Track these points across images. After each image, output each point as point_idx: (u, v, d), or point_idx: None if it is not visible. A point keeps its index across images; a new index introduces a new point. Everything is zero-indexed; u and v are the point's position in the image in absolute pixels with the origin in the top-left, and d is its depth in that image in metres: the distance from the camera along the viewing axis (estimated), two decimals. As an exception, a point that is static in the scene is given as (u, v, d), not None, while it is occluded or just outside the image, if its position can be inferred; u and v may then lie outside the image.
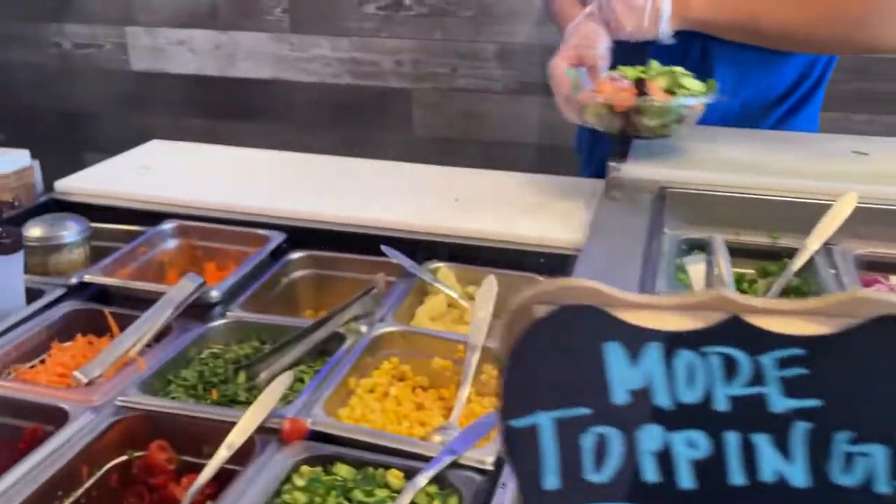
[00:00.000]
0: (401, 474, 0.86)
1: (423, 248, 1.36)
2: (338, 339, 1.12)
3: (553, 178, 1.58)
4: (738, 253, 1.28)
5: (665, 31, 1.36)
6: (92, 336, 1.20)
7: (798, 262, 1.20)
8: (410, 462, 0.87)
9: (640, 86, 1.32)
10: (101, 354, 1.08)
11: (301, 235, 1.42)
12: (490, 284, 1.17)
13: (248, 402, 1.02)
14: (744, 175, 1.34)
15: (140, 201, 1.52)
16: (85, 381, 1.04)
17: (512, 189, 1.54)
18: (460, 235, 1.38)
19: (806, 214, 1.28)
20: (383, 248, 1.31)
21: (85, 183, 1.58)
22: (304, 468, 0.87)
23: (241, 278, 1.27)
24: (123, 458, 0.96)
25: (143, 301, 1.23)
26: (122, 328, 1.19)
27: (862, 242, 1.24)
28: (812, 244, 1.20)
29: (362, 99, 3.28)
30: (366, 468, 0.87)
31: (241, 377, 1.07)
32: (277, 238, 1.40)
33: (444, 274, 1.33)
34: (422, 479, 0.83)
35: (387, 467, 0.87)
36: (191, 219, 1.46)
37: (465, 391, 1.05)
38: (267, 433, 0.92)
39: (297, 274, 1.39)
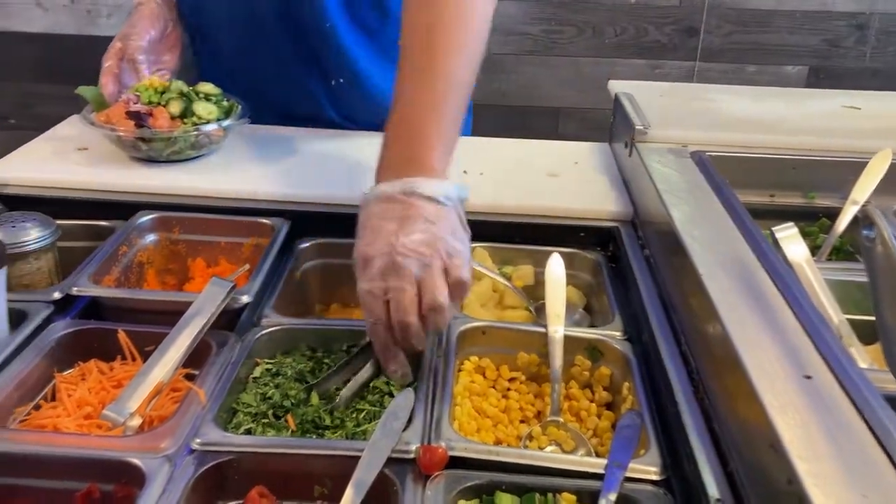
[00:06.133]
0: (573, 497, 0.76)
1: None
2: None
3: (567, 143, 1.50)
4: (771, 215, 1.26)
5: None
6: (97, 360, 1.00)
7: (844, 221, 1.19)
8: (575, 481, 0.78)
9: (136, 118, 1.29)
10: (130, 385, 0.89)
11: (299, 220, 1.25)
12: (557, 265, 1.08)
13: (334, 426, 0.88)
14: (774, 135, 1.31)
15: (98, 191, 1.28)
16: (121, 420, 0.85)
17: (527, 158, 1.44)
18: (486, 212, 1.26)
19: (835, 173, 1.28)
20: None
21: (18, 171, 1.31)
22: (462, 503, 0.76)
23: (265, 277, 1.10)
24: (213, 512, 0.80)
25: (150, 313, 1.05)
26: (138, 348, 1.00)
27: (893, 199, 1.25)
28: (856, 202, 1.20)
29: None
30: (531, 494, 0.76)
31: (314, 398, 0.92)
32: (283, 226, 1.22)
33: (479, 255, 1.21)
34: (610, 500, 0.74)
35: (553, 491, 0.77)
36: (163, 208, 1.26)
37: (558, 387, 0.96)
38: (392, 465, 0.79)
39: (307, 265, 1.23)
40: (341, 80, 1.49)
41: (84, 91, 1.38)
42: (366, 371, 0.93)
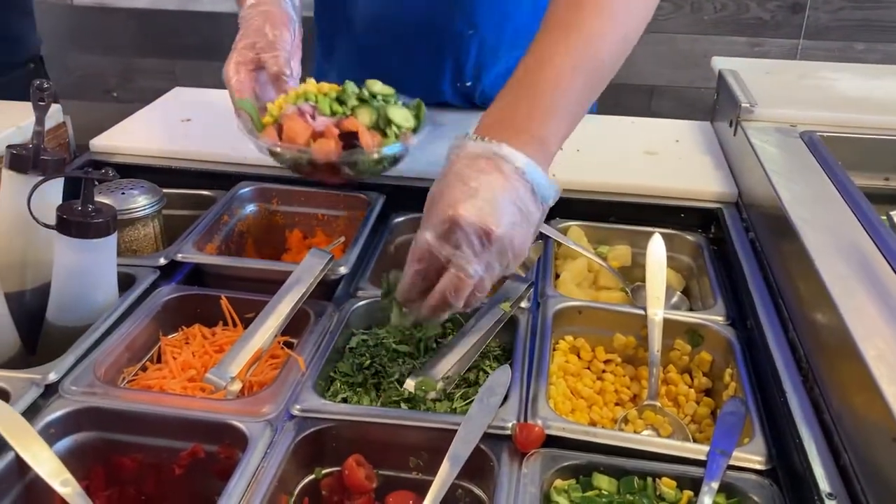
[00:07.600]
0: (673, 483, 0.74)
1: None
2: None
3: (666, 121, 1.45)
4: (887, 199, 1.20)
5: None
6: (200, 325, 1.02)
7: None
8: (675, 466, 0.76)
9: (348, 137, 1.00)
10: (231, 350, 0.91)
11: (394, 195, 1.26)
12: (658, 246, 1.05)
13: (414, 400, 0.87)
14: (891, 115, 1.25)
15: (200, 161, 1.31)
16: (223, 384, 0.88)
17: (624, 135, 1.41)
18: (581, 189, 1.24)
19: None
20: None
21: (126, 141, 1.36)
22: (559, 482, 0.75)
23: (361, 249, 1.11)
24: (310, 477, 0.81)
25: (250, 281, 1.07)
26: (238, 315, 1.02)
27: None
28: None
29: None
30: (629, 478, 0.75)
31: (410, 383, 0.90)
32: (378, 200, 1.23)
33: (575, 234, 1.19)
34: (712, 488, 0.72)
35: (652, 475, 0.75)
36: (262, 180, 1.28)
37: (656, 370, 0.94)
38: (489, 440, 0.78)
39: (401, 239, 1.23)
40: (469, 84, 1.44)
41: (244, 104, 1.07)
42: (464, 358, 0.91)
